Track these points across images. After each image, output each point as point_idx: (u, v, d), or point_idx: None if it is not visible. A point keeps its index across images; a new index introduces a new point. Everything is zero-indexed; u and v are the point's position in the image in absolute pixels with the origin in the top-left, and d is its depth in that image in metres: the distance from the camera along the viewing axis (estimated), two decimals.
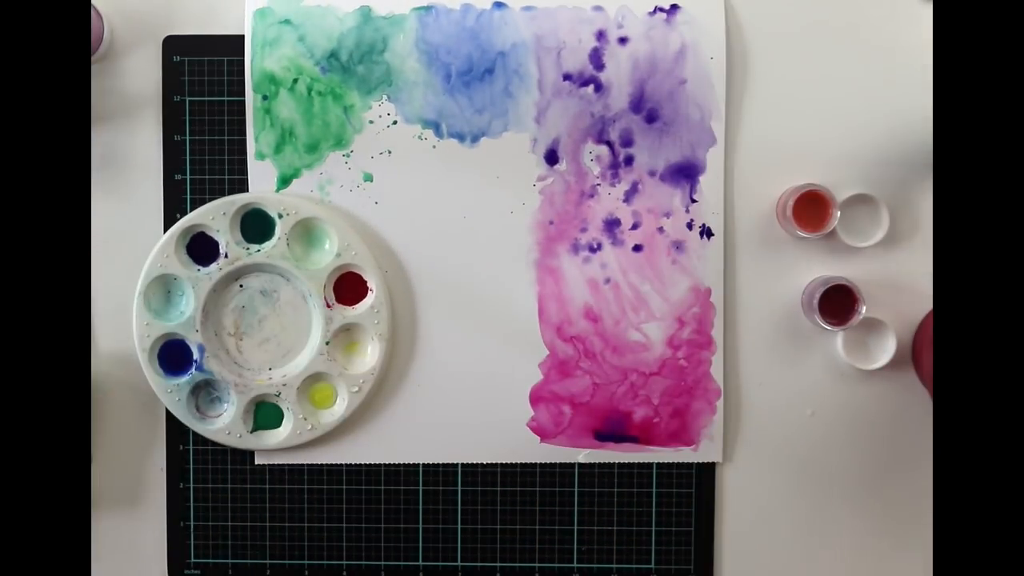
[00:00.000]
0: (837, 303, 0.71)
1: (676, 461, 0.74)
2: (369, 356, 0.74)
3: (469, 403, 0.74)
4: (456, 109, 0.73)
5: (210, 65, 0.74)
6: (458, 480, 0.74)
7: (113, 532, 0.75)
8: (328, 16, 0.73)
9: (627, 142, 0.73)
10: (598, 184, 0.73)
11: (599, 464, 0.75)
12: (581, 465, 0.75)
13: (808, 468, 0.74)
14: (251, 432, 0.74)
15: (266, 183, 0.74)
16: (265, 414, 0.74)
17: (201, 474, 0.75)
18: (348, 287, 0.74)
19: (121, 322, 0.74)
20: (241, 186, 0.74)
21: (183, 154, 0.74)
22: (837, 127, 0.73)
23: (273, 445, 0.74)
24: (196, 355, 0.73)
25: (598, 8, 0.73)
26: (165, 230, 0.73)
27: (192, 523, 0.75)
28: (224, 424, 0.73)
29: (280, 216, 0.72)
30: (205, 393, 0.74)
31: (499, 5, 0.73)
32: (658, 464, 0.74)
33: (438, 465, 0.75)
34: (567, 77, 0.73)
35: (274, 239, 0.72)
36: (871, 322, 0.73)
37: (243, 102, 0.73)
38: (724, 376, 0.74)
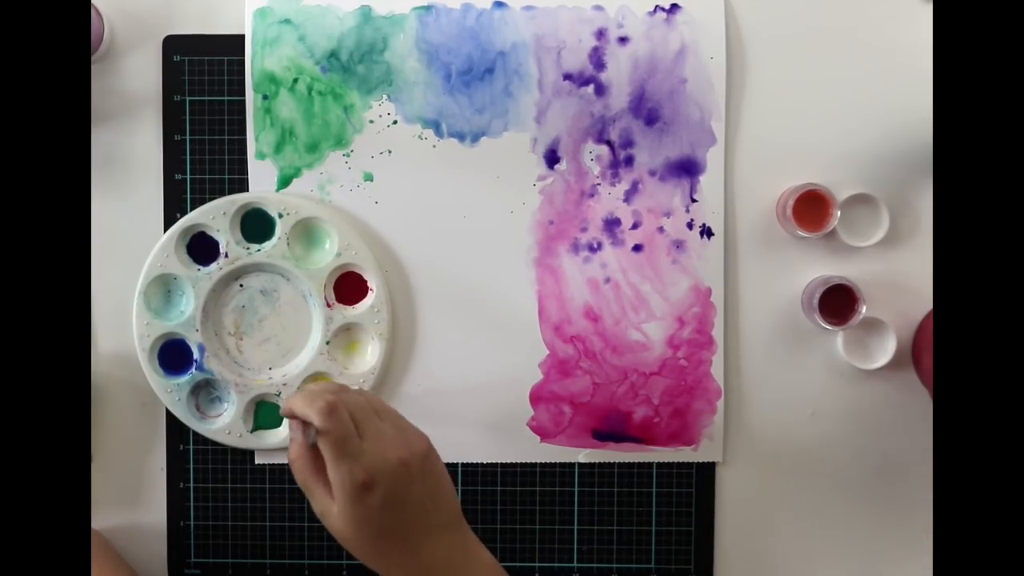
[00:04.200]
0: (837, 303, 0.71)
1: (676, 461, 0.74)
2: (369, 356, 0.74)
3: (469, 403, 0.74)
4: (456, 109, 0.73)
5: (210, 65, 0.74)
6: (458, 480, 0.74)
7: (113, 532, 0.75)
8: (328, 16, 0.73)
9: (627, 142, 0.73)
10: (598, 184, 0.73)
11: (599, 464, 0.74)
12: (581, 465, 0.75)
13: (808, 468, 0.74)
14: (251, 432, 0.74)
15: (266, 183, 0.74)
16: (265, 414, 0.74)
17: (201, 474, 0.75)
18: (348, 287, 0.74)
19: (121, 322, 0.74)
20: (241, 186, 0.74)
21: (183, 154, 0.74)
22: (837, 127, 0.73)
23: (273, 445, 0.74)
24: (196, 355, 0.73)
25: (598, 8, 0.73)
26: (165, 230, 0.73)
27: (192, 523, 0.75)
28: (224, 424, 0.73)
29: (280, 216, 0.72)
30: (205, 393, 0.74)
31: (499, 5, 0.73)
32: (658, 464, 0.74)
33: None
34: (567, 77, 0.73)
35: (274, 239, 0.72)
36: (871, 322, 0.73)
37: (243, 102, 0.73)
38: (724, 376, 0.74)
